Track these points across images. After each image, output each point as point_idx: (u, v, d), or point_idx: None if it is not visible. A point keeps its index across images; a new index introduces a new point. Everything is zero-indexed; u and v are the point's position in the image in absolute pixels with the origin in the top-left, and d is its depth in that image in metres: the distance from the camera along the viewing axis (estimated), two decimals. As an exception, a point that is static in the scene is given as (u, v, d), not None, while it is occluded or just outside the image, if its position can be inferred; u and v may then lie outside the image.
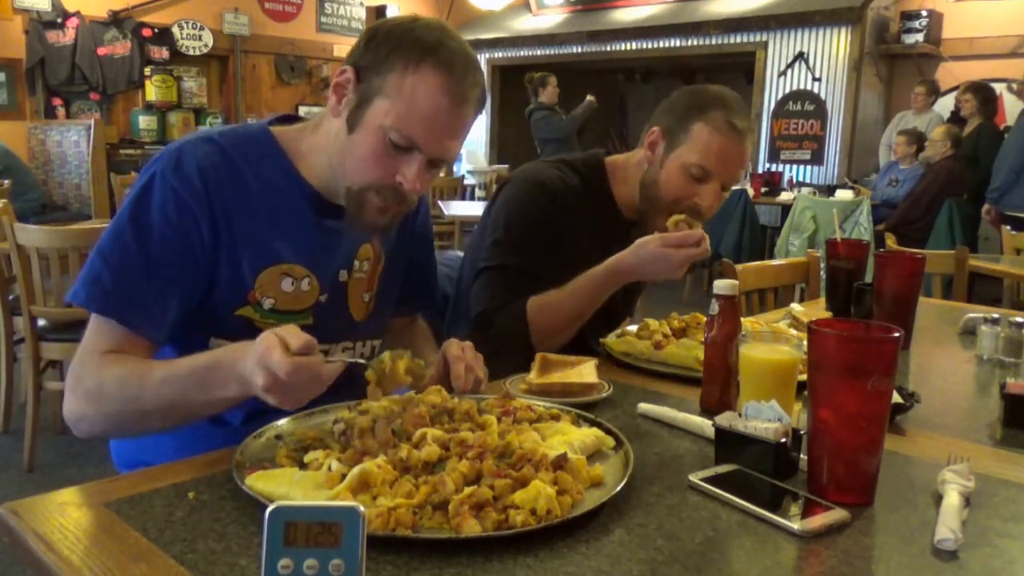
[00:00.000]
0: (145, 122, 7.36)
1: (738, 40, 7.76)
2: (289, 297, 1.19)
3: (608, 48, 8.72)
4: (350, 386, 1.11)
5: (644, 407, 1.20)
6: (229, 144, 1.16)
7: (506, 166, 8.69)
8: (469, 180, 8.50)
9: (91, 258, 1.11)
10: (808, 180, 7.34)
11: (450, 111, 1.11)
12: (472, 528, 0.78)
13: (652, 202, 1.60)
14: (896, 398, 1.13)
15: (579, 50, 8.89)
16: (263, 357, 0.89)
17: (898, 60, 7.45)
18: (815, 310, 1.88)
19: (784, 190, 6.97)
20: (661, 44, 8.30)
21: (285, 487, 0.84)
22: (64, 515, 0.84)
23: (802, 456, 0.97)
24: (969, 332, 1.77)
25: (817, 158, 7.38)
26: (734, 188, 6.58)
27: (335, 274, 1.24)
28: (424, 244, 1.46)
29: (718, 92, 1.56)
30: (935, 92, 6.64)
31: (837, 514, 0.86)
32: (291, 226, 1.18)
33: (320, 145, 1.19)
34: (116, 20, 7.38)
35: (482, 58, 9.68)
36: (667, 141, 1.57)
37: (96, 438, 1.11)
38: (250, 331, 1.15)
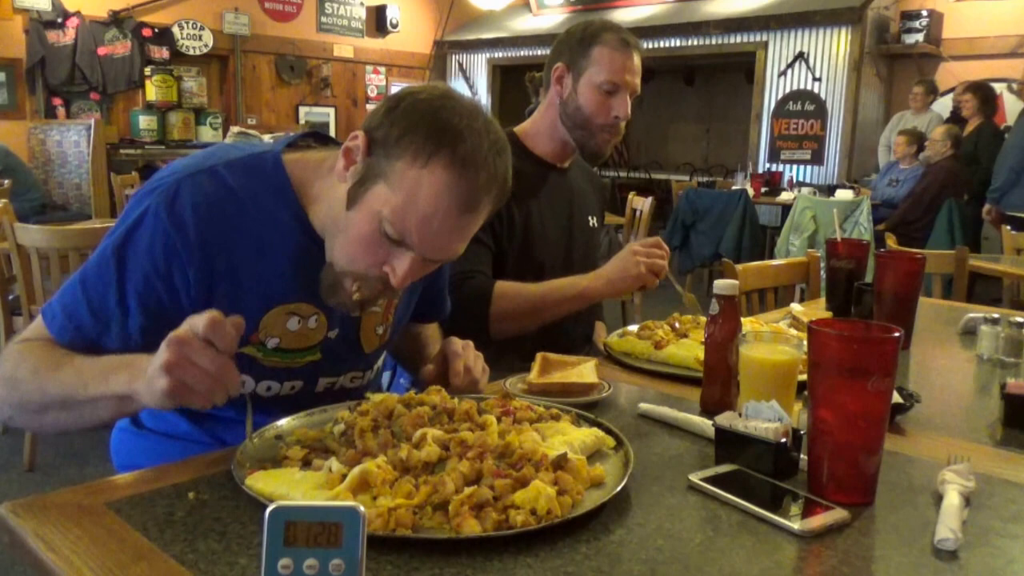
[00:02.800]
0: (145, 122, 7.35)
1: (738, 40, 7.76)
2: (295, 335, 1.14)
3: (608, 48, 8.70)
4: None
5: (644, 407, 1.20)
6: (234, 179, 1.08)
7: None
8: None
9: (75, 281, 1.06)
10: (808, 180, 7.33)
11: (454, 217, 1.00)
12: (472, 528, 0.78)
13: (583, 126, 1.76)
14: (896, 398, 1.13)
15: (579, 50, 8.87)
16: (169, 336, 0.86)
17: (898, 60, 7.44)
18: (815, 310, 1.88)
19: (784, 190, 6.96)
20: (661, 44, 8.30)
21: (285, 487, 0.84)
22: (64, 515, 0.83)
23: (802, 456, 0.97)
24: (969, 332, 1.77)
25: (817, 158, 7.38)
26: (734, 188, 6.64)
27: None
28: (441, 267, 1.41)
29: (603, 22, 1.82)
30: (933, 92, 6.63)
31: (837, 514, 0.86)
32: (297, 265, 1.11)
33: (329, 195, 1.08)
34: (116, 20, 7.36)
35: (482, 58, 9.68)
36: (573, 72, 1.78)
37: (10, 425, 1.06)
38: (253, 369, 1.14)
